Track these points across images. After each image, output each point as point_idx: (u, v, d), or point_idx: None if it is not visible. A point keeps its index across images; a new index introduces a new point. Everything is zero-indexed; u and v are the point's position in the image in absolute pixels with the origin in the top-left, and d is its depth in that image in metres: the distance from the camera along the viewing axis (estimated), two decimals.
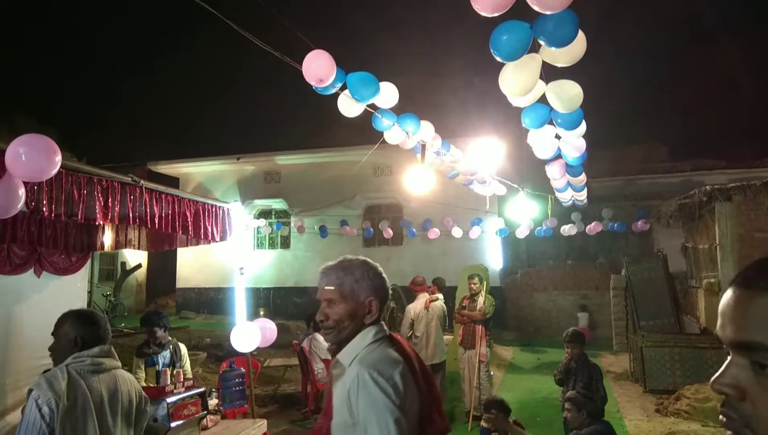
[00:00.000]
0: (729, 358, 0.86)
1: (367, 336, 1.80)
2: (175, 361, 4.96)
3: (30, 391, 2.40)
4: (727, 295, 0.86)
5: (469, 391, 7.12)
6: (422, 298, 7.17)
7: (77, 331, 2.59)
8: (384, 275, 1.91)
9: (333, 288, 1.84)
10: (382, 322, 1.88)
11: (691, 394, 7.23)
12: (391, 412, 1.60)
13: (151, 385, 4.39)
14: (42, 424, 2.30)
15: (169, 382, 4.16)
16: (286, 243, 18.15)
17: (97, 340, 2.61)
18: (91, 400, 2.47)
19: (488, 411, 4.37)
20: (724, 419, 0.85)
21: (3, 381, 4.94)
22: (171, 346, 5.04)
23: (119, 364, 2.70)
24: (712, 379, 0.87)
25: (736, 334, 0.83)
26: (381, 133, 6.10)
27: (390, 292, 1.93)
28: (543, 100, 4.74)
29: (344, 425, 1.69)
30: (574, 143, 5.94)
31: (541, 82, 4.40)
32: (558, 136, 5.90)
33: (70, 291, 5.69)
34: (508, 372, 10.69)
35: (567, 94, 4.49)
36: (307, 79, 4.25)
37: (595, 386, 4.71)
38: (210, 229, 4.99)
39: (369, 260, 1.91)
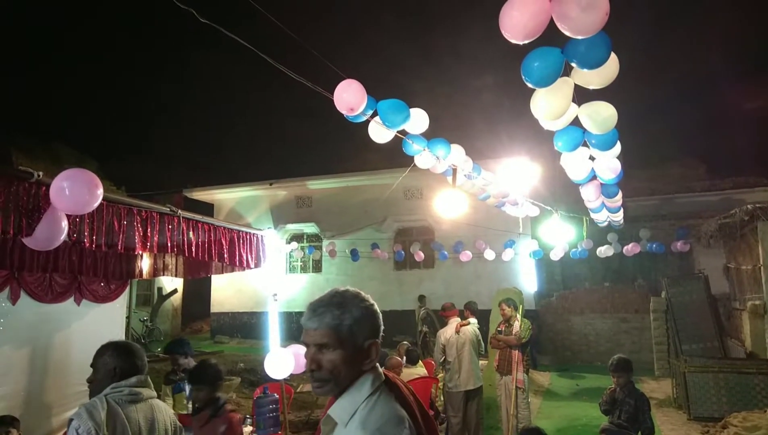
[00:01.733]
0: None
1: (364, 385, 1.55)
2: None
3: (70, 420, 2.44)
4: None
5: (507, 419, 6.96)
6: (453, 322, 7.08)
7: (116, 362, 2.64)
8: (377, 309, 1.66)
9: (328, 330, 1.55)
10: (377, 365, 1.63)
11: (738, 422, 6.91)
12: None
13: (182, 413, 4.42)
14: None
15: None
16: (318, 267, 18.24)
17: (134, 370, 2.66)
18: (130, 429, 2.51)
19: None
20: None
21: (49, 405, 5.06)
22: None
23: (155, 393, 2.74)
24: None
25: None
26: (411, 157, 6.12)
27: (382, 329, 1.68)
28: (576, 121, 4.70)
29: None
30: (609, 164, 5.84)
31: (573, 105, 4.35)
32: (592, 158, 5.82)
33: (108, 317, 5.82)
34: (545, 399, 10.43)
35: (600, 116, 4.43)
36: (338, 108, 4.30)
37: (642, 417, 4.54)
38: (245, 257, 5.05)
39: (362, 293, 1.64)
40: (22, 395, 4.92)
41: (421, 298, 14.25)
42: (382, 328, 1.66)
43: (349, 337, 1.55)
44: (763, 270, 8.86)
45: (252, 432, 4.98)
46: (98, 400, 2.53)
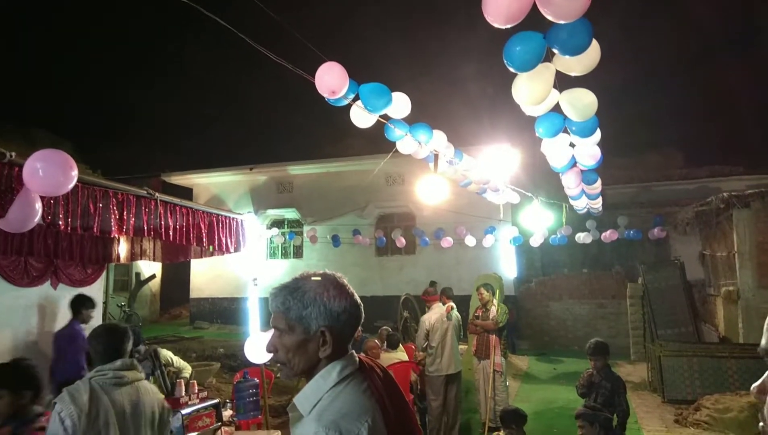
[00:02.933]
0: None
1: (330, 375, 1.49)
2: (155, 369, 4.98)
3: (54, 404, 2.42)
4: None
5: (485, 402, 7.06)
6: (437, 308, 7.12)
7: (90, 345, 2.62)
8: (350, 292, 1.56)
9: (279, 314, 1.53)
10: (352, 352, 1.57)
11: (711, 404, 7.10)
12: None
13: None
14: None
15: (183, 393, 4.15)
16: (299, 253, 18.18)
17: (118, 353, 2.62)
18: (114, 412, 2.49)
19: (505, 423, 4.32)
20: (762, 426, 0.84)
21: None
22: (150, 356, 5.07)
23: (142, 376, 2.72)
24: (753, 386, 0.87)
25: None
26: (393, 143, 6.09)
27: (362, 314, 1.59)
28: (557, 108, 4.71)
29: None
30: (589, 151, 5.89)
31: (554, 91, 4.37)
32: (572, 144, 5.86)
33: None
34: (523, 382, 10.58)
35: (581, 103, 4.45)
36: (319, 91, 4.26)
37: (618, 399, 4.61)
38: (224, 241, 5.01)
39: (332, 278, 1.57)
40: None
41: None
42: (353, 315, 1.56)
43: (298, 323, 1.51)
44: (737, 257, 9.05)
45: (232, 416, 4.98)
46: (81, 383, 2.52)
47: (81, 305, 4.91)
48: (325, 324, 1.50)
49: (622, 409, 4.55)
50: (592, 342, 5.00)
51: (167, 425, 2.75)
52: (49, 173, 3.10)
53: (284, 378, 1.60)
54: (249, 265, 6.05)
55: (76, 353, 4.77)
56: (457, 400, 6.91)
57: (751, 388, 0.84)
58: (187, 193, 18.33)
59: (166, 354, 5.33)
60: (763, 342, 0.84)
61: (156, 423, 2.67)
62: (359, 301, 1.59)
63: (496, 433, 4.74)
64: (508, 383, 7.61)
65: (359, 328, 1.64)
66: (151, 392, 2.71)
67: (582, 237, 12.60)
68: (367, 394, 1.48)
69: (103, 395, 2.49)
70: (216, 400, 4.45)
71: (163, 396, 2.71)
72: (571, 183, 7.58)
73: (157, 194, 4.15)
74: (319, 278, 1.56)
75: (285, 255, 18.42)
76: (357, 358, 1.58)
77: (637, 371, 10.59)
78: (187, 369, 5.25)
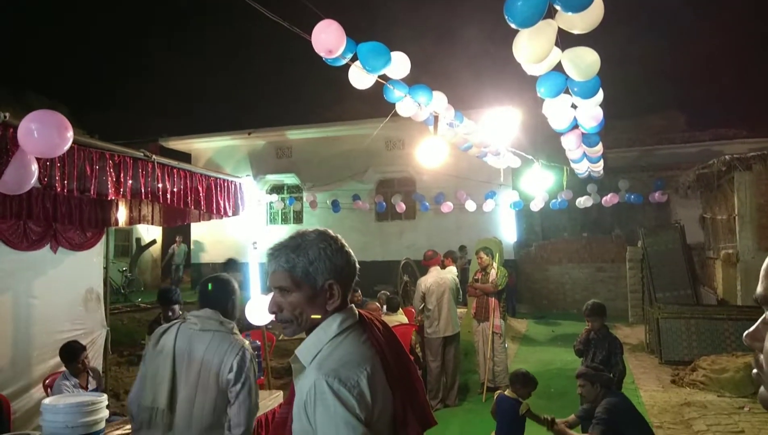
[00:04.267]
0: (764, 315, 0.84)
1: (330, 327, 1.52)
2: None
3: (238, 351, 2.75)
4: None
5: (484, 363, 7.15)
6: (434, 271, 7.15)
7: None
8: (346, 249, 1.59)
9: (284, 273, 1.54)
10: (352, 306, 1.60)
11: (707, 365, 7.19)
12: (354, 430, 1.35)
13: None
14: (142, 364, 2.81)
15: None
16: (298, 218, 18.19)
17: (205, 301, 2.85)
18: (174, 352, 2.67)
19: (514, 385, 4.36)
20: (756, 372, 0.84)
21: (28, 354, 5.04)
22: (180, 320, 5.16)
23: (227, 329, 2.79)
24: (745, 333, 0.86)
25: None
26: (393, 106, 6.02)
27: (357, 268, 1.60)
28: (559, 68, 4.63)
29: (303, 432, 1.44)
30: (591, 112, 5.82)
31: (556, 50, 4.28)
32: (574, 106, 5.78)
33: (86, 266, 5.76)
34: (522, 344, 10.71)
35: (584, 62, 4.38)
36: (316, 51, 4.18)
37: (615, 359, 4.66)
38: (222, 204, 4.98)
39: (328, 233, 1.59)
40: (9, 342, 4.90)
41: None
42: (353, 268, 1.59)
43: (305, 279, 1.52)
44: (738, 220, 9.04)
45: None
46: (176, 321, 2.87)
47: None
48: (331, 277, 1.53)
49: (619, 369, 4.61)
50: (589, 303, 5.03)
51: (232, 383, 2.68)
52: (45, 134, 3.06)
53: (289, 335, 1.62)
54: (249, 231, 6.05)
55: None
56: (456, 361, 7.01)
57: (744, 335, 0.83)
58: (185, 158, 18.22)
59: None
60: (759, 289, 0.83)
61: (220, 377, 2.66)
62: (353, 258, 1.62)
63: (498, 391, 4.80)
64: (507, 345, 7.69)
65: (359, 291, 1.67)
66: (225, 345, 2.70)
67: (582, 201, 12.58)
68: (366, 345, 1.51)
69: (175, 334, 2.72)
70: None
71: (246, 356, 2.71)
72: (572, 145, 7.53)
73: (154, 156, 4.11)
74: (316, 235, 1.58)
75: (285, 220, 18.44)
76: (357, 312, 1.61)
77: (635, 333, 10.72)
78: None
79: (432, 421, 1.60)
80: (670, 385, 7.29)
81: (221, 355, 2.67)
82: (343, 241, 1.60)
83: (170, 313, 5.28)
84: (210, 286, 2.92)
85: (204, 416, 2.63)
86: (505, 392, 4.38)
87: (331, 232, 1.61)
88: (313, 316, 1.54)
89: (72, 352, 4.33)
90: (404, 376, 1.56)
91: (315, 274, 1.52)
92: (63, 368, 4.93)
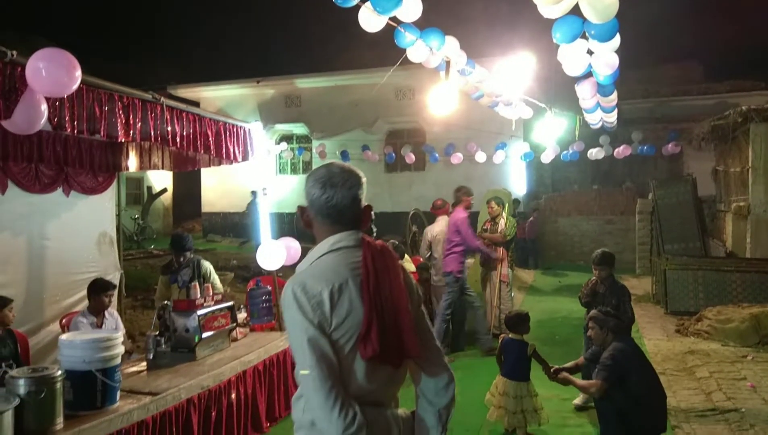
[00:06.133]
0: None
1: (322, 247, 1.70)
2: (193, 278, 5.16)
3: None
4: None
5: (490, 310, 7.25)
6: (441, 220, 7.17)
7: None
8: (327, 180, 1.70)
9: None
10: (353, 232, 1.71)
11: (712, 315, 7.24)
12: (305, 331, 1.55)
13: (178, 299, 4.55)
14: None
15: (198, 295, 4.28)
16: (308, 168, 18.16)
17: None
18: None
19: (513, 327, 4.44)
20: None
21: (40, 296, 5.16)
22: (192, 265, 5.29)
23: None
24: None
25: None
26: (403, 53, 5.90)
27: (336, 199, 1.70)
28: (575, 11, 4.49)
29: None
30: (607, 59, 5.67)
31: None
32: (590, 52, 5.64)
33: (98, 211, 5.82)
34: (528, 294, 10.83)
35: (602, 3, 4.24)
36: None
37: (623, 307, 4.70)
38: (232, 149, 4.98)
39: (327, 166, 1.75)
40: (23, 283, 5.01)
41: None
42: (327, 200, 1.70)
43: (305, 202, 1.77)
44: (751, 172, 8.94)
45: (246, 319, 5.16)
46: None
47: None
48: (307, 206, 1.76)
49: (628, 316, 4.65)
50: (598, 252, 5.04)
51: None
52: (53, 73, 3.05)
53: None
54: (258, 180, 6.06)
55: None
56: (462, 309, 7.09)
57: None
58: (193, 106, 18.11)
59: (208, 267, 5.48)
60: None
61: None
62: (335, 192, 1.71)
63: (502, 335, 4.89)
64: (513, 294, 7.78)
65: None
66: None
67: (594, 153, 12.45)
68: (349, 266, 1.64)
69: None
70: (231, 302, 4.59)
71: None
72: (586, 94, 7.38)
73: (162, 99, 4.09)
74: (316, 169, 1.77)
75: (294, 171, 18.43)
76: (359, 238, 1.71)
77: (642, 285, 10.78)
78: (219, 289, 5.39)
79: (413, 351, 1.64)
80: (675, 335, 7.38)
81: None
82: (326, 173, 1.72)
83: (182, 259, 5.38)
84: None
85: None
86: (509, 336, 4.47)
87: (332, 166, 1.75)
88: (319, 237, 1.75)
89: (103, 286, 4.44)
90: (387, 302, 1.62)
91: (306, 200, 1.76)
92: (78, 308, 5.07)
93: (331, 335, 1.57)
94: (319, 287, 1.58)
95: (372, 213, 1.82)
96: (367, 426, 1.54)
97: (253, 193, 16.63)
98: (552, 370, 4.05)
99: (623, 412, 3.84)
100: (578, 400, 4.85)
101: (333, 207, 1.70)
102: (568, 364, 4.32)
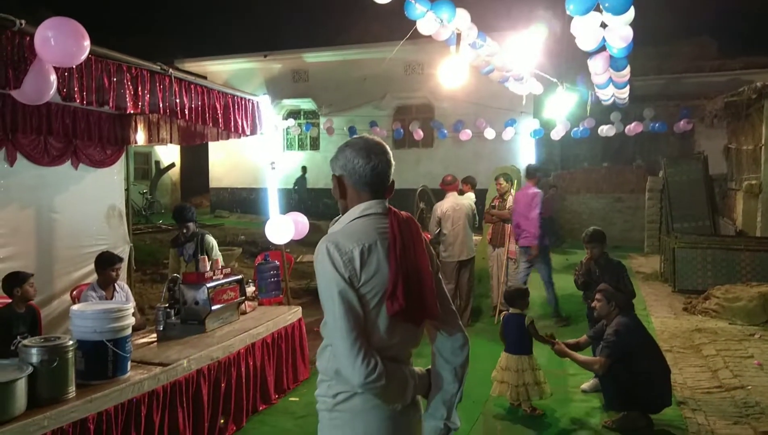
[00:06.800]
0: None
1: (353, 212, 1.81)
2: (197, 252, 5.19)
3: None
4: None
5: (497, 287, 7.26)
6: (451, 196, 7.14)
7: None
8: (369, 149, 1.79)
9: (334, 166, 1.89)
10: (382, 201, 1.82)
11: (721, 293, 7.22)
12: (337, 284, 1.66)
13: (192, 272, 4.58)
14: None
15: (207, 268, 4.30)
16: (315, 144, 18.12)
17: None
18: None
19: (513, 302, 4.46)
20: None
21: (51, 268, 5.20)
22: (196, 239, 5.37)
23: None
24: None
25: None
26: (412, 26, 5.82)
27: (381, 167, 1.79)
28: None
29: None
30: (621, 32, 5.57)
31: None
32: (604, 25, 5.53)
33: (107, 183, 5.83)
34: (535, 271, 10.79)
35: None
36: None
37: (623, 282, 4.68)
38: (240, 122, 4.94)
39: (360, 137, 1.86)
40: (33, 255, 5.04)
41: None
42: (366, 169, 1.77)
43: (335, 174, 1.85)
44: (764, 150, 8.82)
45: (255, 292, 5.19)
46: None
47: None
48: (342, 172, 1.83)
49: (629, 290, 4.63)
50: (588, 230, 4.96)
51: None
52: (61, 42, 3.02)
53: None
54: (266, 155, 6.04)
55: None
56: (470, 285, 7.11)
57: None
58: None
59: (211, 242, 5.51)
60: None
61: None
62: (379, 160, 1.80)
63: (504, 311, 4.92)
64: (528, 271, 7.76)
65: None
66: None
67: (605, 129, 12.31)
68: (379, 230, 1.75)
69: None
70: (240, 276, 4.61)
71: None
72: (598, 69, 7.27)
73: (171, 70, 4.05)
74: (348, 140, 1.88)
75: (302, 146, 18.40)
76: (386, 207, 1.83)
77: (650, 263, 10.74)
78: (219, 257, 5.45)
79: (434, 311, 1.77)
80: (682, 313, 7.37)
81: None
82: (376, 149, 1.80)
83: (185, 230, 5.42)
84: None
85: None
86: (510, 311, 4.50)
87: (366, 138, 1.85)
88: (344, 202, 1.86)
89: (109, 259, 4.45)
90: (411, 265, 1.73)
91: (335, 169, 1.85)
92: (88, 280, 5.10)
93: (359, 290, 1.68)
94: (350, 246, 1.69)
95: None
96: (386, 375, 1.65)
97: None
98: (549, 335, 4.11)
99: (627, 387, 3.86)
100: (586, 386, 4.73)
101: (378, 175, 1.80)
102: (569, 341, 4.34)
